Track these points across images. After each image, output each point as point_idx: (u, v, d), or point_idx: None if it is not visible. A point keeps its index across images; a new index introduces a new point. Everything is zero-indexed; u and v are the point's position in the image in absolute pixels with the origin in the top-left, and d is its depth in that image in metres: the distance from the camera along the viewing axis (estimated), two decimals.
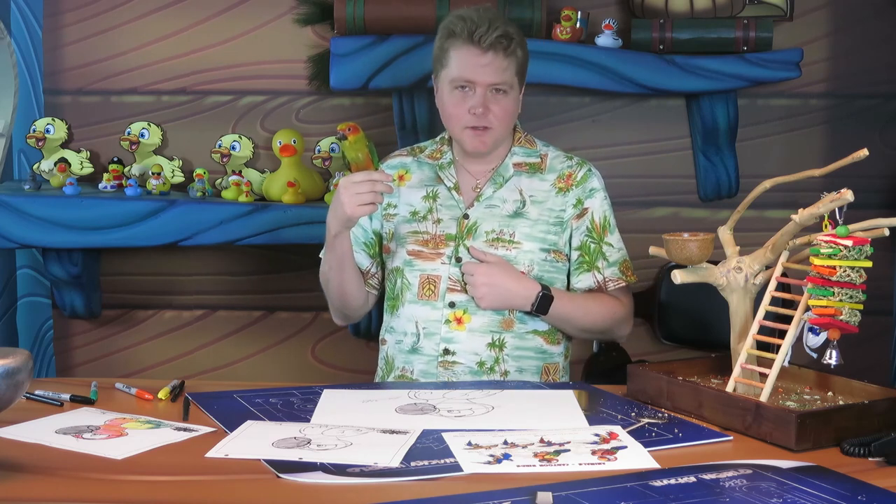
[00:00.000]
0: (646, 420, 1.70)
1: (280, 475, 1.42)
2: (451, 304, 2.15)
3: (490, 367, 2.14)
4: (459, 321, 2.14)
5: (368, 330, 2.96)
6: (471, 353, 2.14)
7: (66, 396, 1.82)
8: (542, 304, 2.12)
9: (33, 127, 3.00)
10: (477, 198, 2.21)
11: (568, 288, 2.22)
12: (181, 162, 3.01)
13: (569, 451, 1.52)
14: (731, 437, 1.62)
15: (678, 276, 1.82)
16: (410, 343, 2.18)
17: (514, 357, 2.15)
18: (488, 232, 2.17)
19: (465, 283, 2.14)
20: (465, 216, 2.19)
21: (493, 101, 2.14)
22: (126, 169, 3.00)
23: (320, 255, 2.28)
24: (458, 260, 2.16)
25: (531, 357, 2.17)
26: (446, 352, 2.14)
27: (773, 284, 1.77)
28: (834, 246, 1.61)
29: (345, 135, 2.09)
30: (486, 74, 2.12)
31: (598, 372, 2.77)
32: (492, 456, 1.50)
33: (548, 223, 2.19)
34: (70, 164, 2.97)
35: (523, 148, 2.25)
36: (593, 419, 1.71)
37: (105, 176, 2.91)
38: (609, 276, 2.20)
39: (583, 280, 2.20)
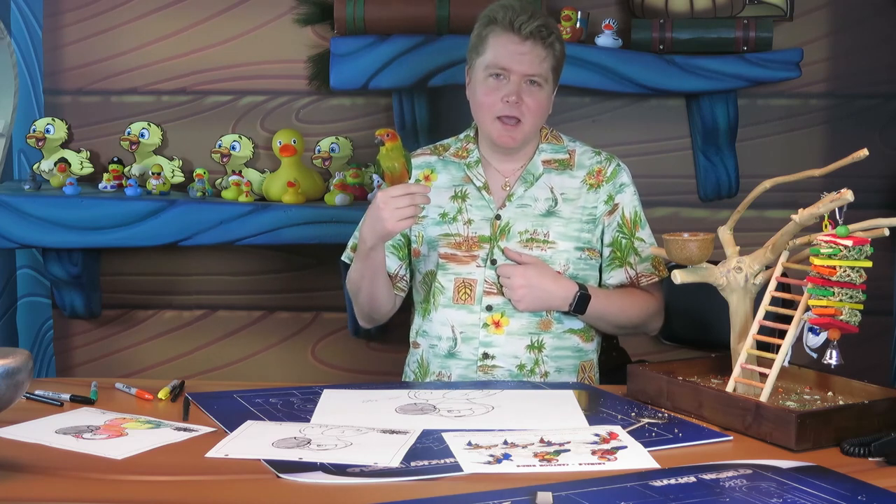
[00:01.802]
0: (646, 420, 1.70)
1: (280, 475, 1.42)
2: (489, 308, 2.13)
3: (530, 369, 2.13)
4: (497, 325, 2.13)
5: (368, 330, 2.96)
6: (510, 356, 2.12)
7: (66, 396, 1.82)
8: (580, 304, 2.10)
9: (33, 127, 3.00)
10: (508, 197, 2.18)
11: (599, 283, 2.21)
12: (181, 162, 3.01)
13: (569, 451, 1.52)
14: (731, 437, 1.62)
15: (678, 276, 1.82)
16: (447, 347, 2.16)
17: (553, 358, 2.14)
18: (522, 232, 2.15)
19: (502, 286, 2.11)
20: (498, 217, 2.17)
21: (526, 93, 2.11)
22: (126, 169, 3.00)
23: (343, 259, 2.26)
24: (494, 262, 2.14)
25: (569, 357, 2.17)
26: (485, 356, 2.13)
27: (773, 284, 1.77)
28: (834, 246, 1.61)
29: (383, 140, 1.99)
30: (523, 63, 2.10)
31: (598, 372, 2.76)
32: (492, 456, 1.49)
33: (581, 221, 2.18)
34: (70, 164, 2.97)
35: (551, 144, 2.23)
36: (593, 419, 1.71)
37: (105, 176, 2.91)
38: (641, 272, 2.19)
39: (615, 276, 2.19)
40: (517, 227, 2.16)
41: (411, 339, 2.26)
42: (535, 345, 2.13)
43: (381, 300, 2.20)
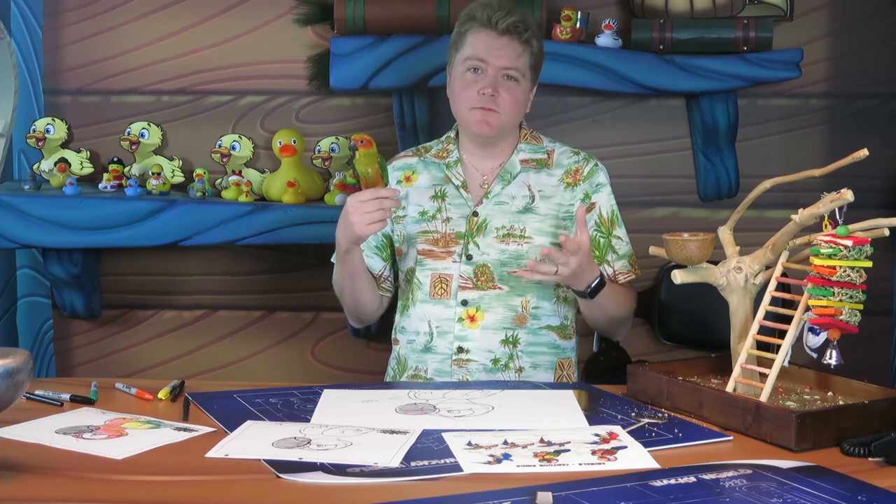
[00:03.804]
0: (646, 420, 1.70)
1: (280, 475, 1.42)
2: (464, 302, 2.16)
3: (504, 363, 2.15)
4: (472, 319, 2.16)
5: (368, 330, 2.96)
6: (484, 350, 2.15)
7: (66, 396, 1.82)
8: (595, 289, 2.07)
9: (33, 127, 3.00)
10: (486, 195, 2.21)
11: None
12: (181, 162, 3.01)
13: (569, 451, 1.52)
14: (731, 437, 1.62)
15: (678, 276, 1.82)
16: (423, 342, 2.19)
17: (528, 353, 2.16)
18: (498, 228, 2.18)
19: (558, 261, 2.01)
20: (475, 213, 2.20)
21: (503, 86, 2.15)
22: (126, 169, 3.00)
23: (332, 260, 2.29)
24: (469, 258, 2.17)
25: (545, 353, 2.18)
26: (460, 350, 2.15)
27: (773, 284, 1.77)
28: (834, 246, 1.61)
29: (356, 145, 2.03)
30: (500, 57, 2.15)
31: (598, 372, 2.77)
32: (492, 456, 1.50)
33: (557, 218, 2.20)
34: (70, 164, 2.97)
35: (529, 144, 2.26)
36: (593, 419, 1.71)
37: (105, 176, 2.91)
38: (619, 269, 2.22)
39: None
40: (494, 223, 2.19)
41: (392, 337, 2.30)
42: (510, 339, 2.15)
43: (365, 300, 2.25)
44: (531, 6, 2.77)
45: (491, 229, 2.18)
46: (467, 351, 2.15)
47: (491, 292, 2.16)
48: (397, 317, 2.28)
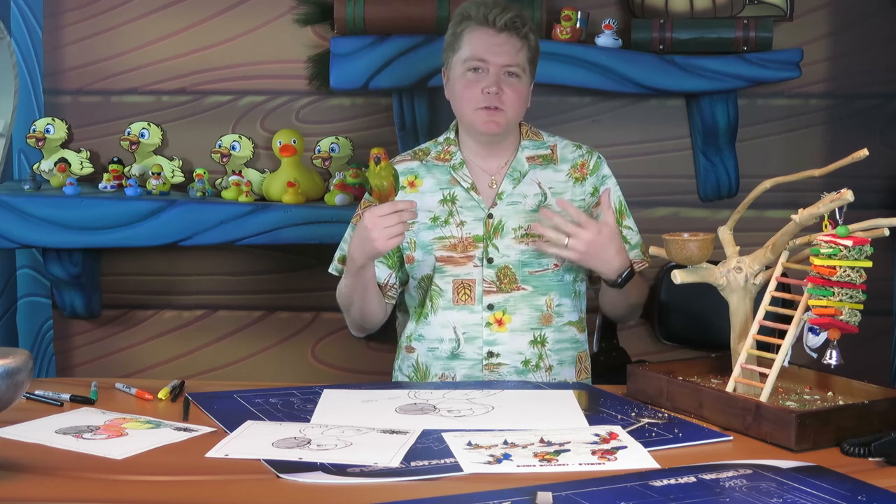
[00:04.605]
0: (646, 420, 1.70)
1: (280, 475, 1.42)
2: (490, 307, 2.15)
3: (535, 364, 2.15)
4: (500, 323, 2.14)
5: None
6: (515, 353, 2.14)
7: (66, 396, 1.82)
8: (626, 279, 2.09)
9: (33, 127, 3.00)
10: (498, 196, 2.19)
11: (590, 275, 2.23)
12: (181, 162, 3.02)
13: (569, 451, 1.52)
14: (731, 437, 1.62)
15: (678, 276, 1.82)
16: (449, 349, 2.16)
17: (555, 351, 2.17)
18: (515, 229, 2.16)
19: (561, 231, 2.03)
20: (490, 216, 2.18)
21: (505, 83, 2.14)
22: (126, 169, 3.00)
23: (331, 272, 2.26)
24: (490, 261, 2.15)
25: (568, 348, 2.19)
26: (490, 354, 2.14)
27: (773, 284, 1.77)
28: (834, 246, 1.61)
29: (380, 159, 1.98)
30: (500, 55, 2.13)
31: (598, 372, 2.76)
32: (492, 456, 1.50)
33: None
34: (70, 164, 2.98)
35: (532, 141, 2.25)
36: (593, 419, 1.71)
37: (105, 176, 2.91)
38: (633, 259, 2.20)
39: None
40: (510, 223, 2.17)
41: (403, 344, 2.26)
42: (538, 339, 2.15)
43: (373, 311, 2.21)
44: (531, 6, 2.78)
45: (508, 230, 2.16)
46: (497, 355, 2.14)
47: (515, 294, 2.15)
48: (412, 325, 2.24)
